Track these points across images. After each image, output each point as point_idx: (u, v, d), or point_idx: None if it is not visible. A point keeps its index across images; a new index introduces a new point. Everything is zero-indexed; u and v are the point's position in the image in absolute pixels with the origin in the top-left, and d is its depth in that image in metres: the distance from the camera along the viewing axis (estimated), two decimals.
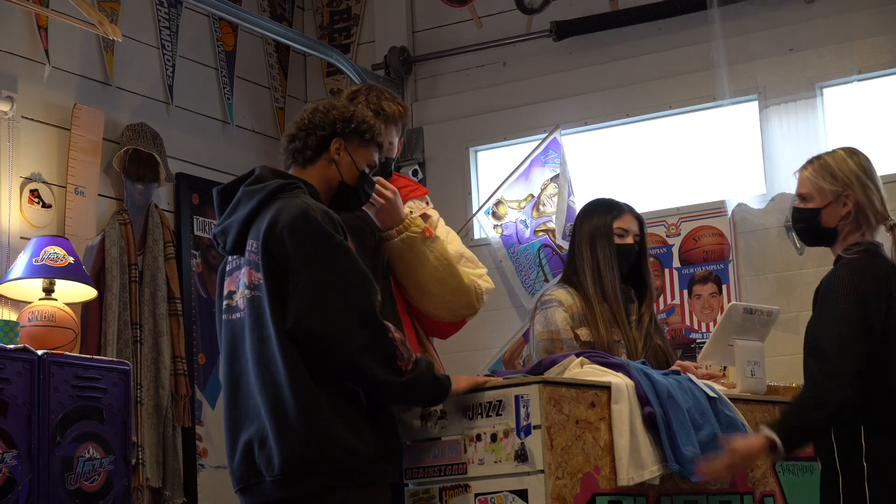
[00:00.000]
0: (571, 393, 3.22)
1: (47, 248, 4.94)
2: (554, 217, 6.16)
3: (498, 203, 6.35)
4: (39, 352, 4.52)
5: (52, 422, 4.48)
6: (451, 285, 3.63)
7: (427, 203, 3.82)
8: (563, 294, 4.01)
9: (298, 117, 3.30)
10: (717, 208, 5.98)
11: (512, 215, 6.31)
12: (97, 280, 5.40)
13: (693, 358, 4.77)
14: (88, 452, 4.61)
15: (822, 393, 3.23)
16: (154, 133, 5.82)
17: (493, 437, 3.16)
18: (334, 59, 6.50)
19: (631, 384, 3.37)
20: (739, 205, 5.91)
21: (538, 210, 6.27)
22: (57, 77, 5.57)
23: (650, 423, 3.33)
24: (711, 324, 5.82)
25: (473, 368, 5.73)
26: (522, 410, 3.13)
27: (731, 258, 5.92)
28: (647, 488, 3.33)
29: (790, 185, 3.56)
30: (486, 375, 3.59)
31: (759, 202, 5.89)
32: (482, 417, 3.19)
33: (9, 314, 5.09)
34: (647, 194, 6.11)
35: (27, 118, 5.41)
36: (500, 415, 3.17)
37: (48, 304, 4.93)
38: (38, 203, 5.38)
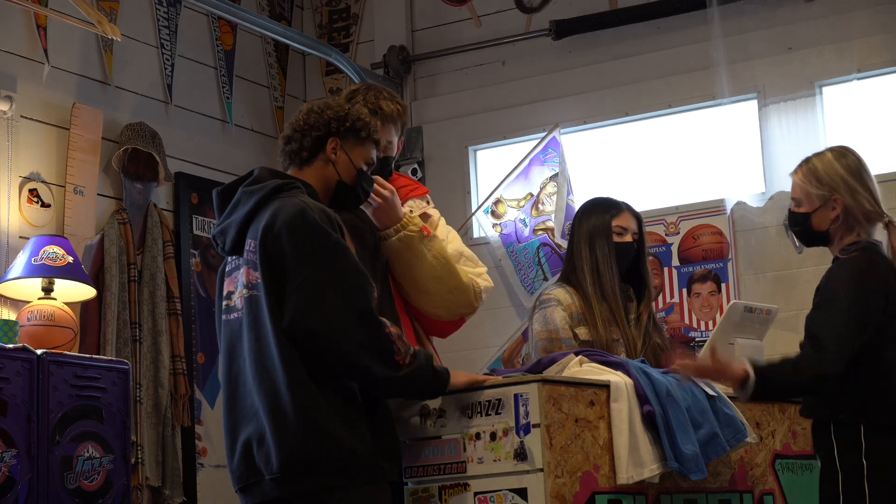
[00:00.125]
0: (571, 391, 3.22)
1: (46, 248, 4.94)
2: (553, 216, 6.17)
3: (497, 202, 6.35)
4: (39, 351, 4.52)
5: (52, 421, 4.48)
6: (449, 284, 3.63)
7: (427, 202, 3.82)
8: (561, 293, 4.01)
9: (294, 118, 3.31)
10: (716, 207, 5.98)
11: (511, 214, 6.31)
12: (96, 279, 5.40)
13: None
14: (88, 451, 4.61)
15: (805, 363, 3.26)
16: (153, 132, 5.82)
17: (493, 436, 3.16)
18: (333, 58, 6.50)
19: (630, 383, 3.37)
20: (738, 203, 5.91)
21: (537, 209, 6.27)
22: (56, 76, 5.57)
23: (649, 421, 3.33)
24: (710, 322, 5.82)
25: (473, 367, 5.73)
26: (522, 409, 3.13)
27: (730, 257, 5.92)
28: (647, 487, 3.33)
29: (789, 184, 3.56)
30: (485, 374, 3.60)
31: (758, 201, 5.89)
32: (481, 416, 3.19)
33: (8, 313, 5.09)
34: (646, 193, 6.11)
35: (26, 117, 5.41)
36: (500, 413, 3.16)
37: (47, 304, 4.93)
38: (37, 202, 5.38)
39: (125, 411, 4.80)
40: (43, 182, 5.43)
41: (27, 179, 5.36)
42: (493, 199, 6.35)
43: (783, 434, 3.80)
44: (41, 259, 4.92)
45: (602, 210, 4.11)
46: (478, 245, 6.27)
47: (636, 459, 3.27)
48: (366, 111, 3.38)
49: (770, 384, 3.29)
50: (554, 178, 6.21)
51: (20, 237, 5.21)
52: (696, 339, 5.86)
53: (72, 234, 5.39)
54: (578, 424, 3.21)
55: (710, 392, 3.52)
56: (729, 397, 3.56)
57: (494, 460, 3.15)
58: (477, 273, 3.73)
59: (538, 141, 6.30)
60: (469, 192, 6.66)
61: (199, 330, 5.97)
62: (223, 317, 3.22)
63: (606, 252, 4.02)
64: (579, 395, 3.24)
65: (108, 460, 4.69)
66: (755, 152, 5.99)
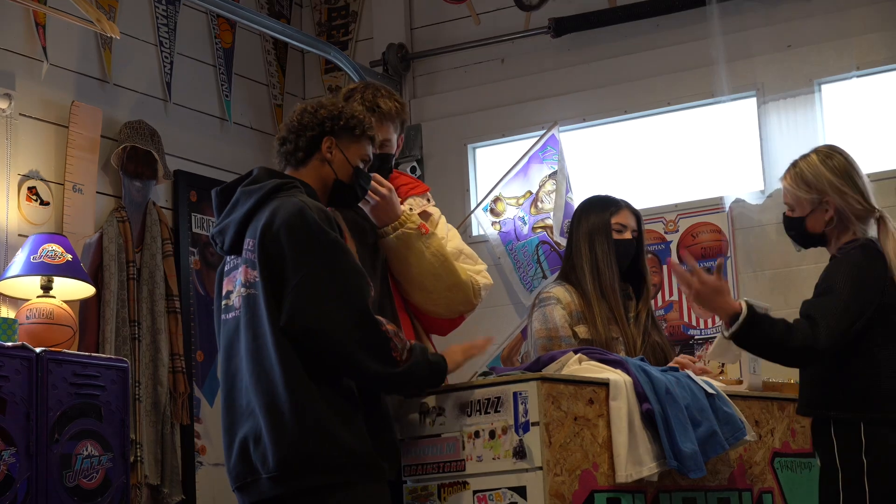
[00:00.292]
0: (570, 389, 3.22)
1: (45, 246, 4.94)
2: (552, 214, 6.16)
3: (496, 200, 6.35)
4: (37, 349, 4.52)
5: (51, 419, 4.48)
6: (448, 281, 3.63)
7: (428, 200, 3.82)
8: (561, 291, 4.01)
9: (288, 119, 3.32)
10: (715, 205, 5.98)
11: (510, 212, 6.31)
12: (95, 277, 5.40)
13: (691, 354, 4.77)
14: (87, 450, 4.61)
15: (799, 332, 3.26)
16: (152, 130, 5.82)
17: (492, 434, 3.16)
18: (332, 56, 6.50)
19: (629, 381, 3.37)
20: (737, 200, 5.91)
21: (536, 207, 6.27)
22: (55, 74, 5.56)
23: (648, 419, 3.33)
24: (710, 320, 5.81)
25: (471, 365, 5.71)
26: (521, 407, 3.13)
27: (729, 255, 5.92)
28: (646, 485, 3.33)
29: None
30: (483, 372, 3.60)
31: (757, 198, 5.89)
32: (480, 414, 3.19)
33: (7, 311, 5.09)
34: (645, 191, 6.10)
35: (25, 115, 5.40)
36: (499, 411, 3.16)
37: (46, 302, 4.93)
38: (36, 200, 5.38)
39: (124, 409, 4.80)
40: (42, 180, 5.42)
41: (26, 177, 5.36)
42: (492, 196, 6.34)
43: (782, 432, 3.80)
44: (40, 257, 4.91)
45: (601, 208, 4.11)
46: (477, 243, 6.27)
47: (635, 458, 3.27)
48: (360, 108, 3.38)
49: (758, 331, 3.27)
50: (553, 175, 6.20)
51: (19, 235, 5.21)
52: (695, 337, 5.86)
53: (71, 232, 5.38)
54: (577, 422, 3.21)
55: (710, 390, 3.52)
56: (728, 395, 3.56)
57: (493, 458, 3.15)
58: (476, 271, 3.73)
59: (537, 139, 6.29)
60: (468, 190, 6.66)
61: (198, 328, 5.97)
62: (222, 316, 3.23)
63: (606, 250, 4.02)
64: (578, 393, 3.24)
65: (107, 458, 4.69)
66: (754, 150, 5.99)
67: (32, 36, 5.48)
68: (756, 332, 3.27)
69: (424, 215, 3.70)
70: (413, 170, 6.57)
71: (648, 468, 3.28)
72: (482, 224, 6.41)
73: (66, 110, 5.56)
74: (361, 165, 3.31)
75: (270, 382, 3.02)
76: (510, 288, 6.26)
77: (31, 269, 4.91)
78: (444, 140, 6.73)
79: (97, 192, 5.64)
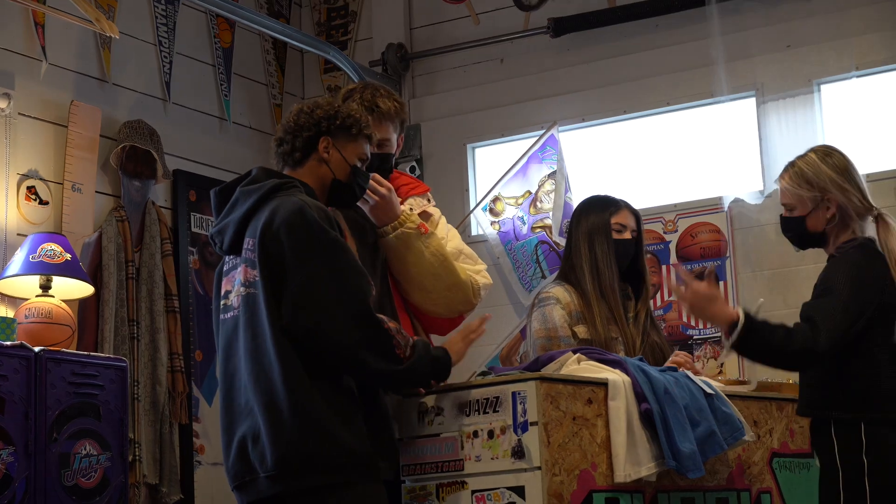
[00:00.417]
0: (568, 389, 3.22)
1: (44, 245, 4.94)
2: (551, 213, 6.16)
3: (495, 200, 6.35)
4: (36, 348, 4.52)
5: (49, 418, 4.48)
6: (447, 281, 3.63)
7: (428, 200, 3.82)
8: (560, 291, 4.00)
9: (284, 120, 3.33)
10: (714, 205, 5.98)
11: (509, 212, 6.31)
12: (94, 277, 5.39)
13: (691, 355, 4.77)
14: (85, 449, 4.61)
15: (799, 335, 3.25)
16: (151, 130, 5.82)
17: (490, 434, 3.16)
18: (332, 55, 6.50)
19: (628, 381, 3.37)
20: (736, 200, 5.91)
21: (535, 207, 6.27)
22: (54, 74, 5.56)
23: (647, 419, 3.32)
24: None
25: (470, 364, 5.72)
26: (519, 407, 3.13)
27: (728, 255, 5.92)
28: (644, 485, 3.32)
29: None
30: (482, 372, 3.61)
31: (756, 198, 5.89)
32: (479, 414, 3.19)
33: (6, 311, 5.09)
34: (644, 191, 6.10)
35: (24, 115, 5.40)
36: (497, 411, 3.16)
37: (45, 301, 4.92)
38: (35, 200, 5.38)
39: (123, 409, 4.80)
40: (41, 179, 5.42)
41: (25, 177, 5.36)
42: (491, 196, 6.34)
43: (781, 432, 3.80)
44: (39, 256, 4.91)
45: (601, 208, 4.11)
46: (476, 243, 6.26)
47: (634, 457, 3.27)
48: (355, 107, 3.38)
49: (757, 338, 3.26)
50: (552, 175, 6.20)
51: (18, 234, 5.21)
52: (694, 337, 5.85)
53: (70, 231, 5.39)
54: (576, 422, 3.21)
55: (708, 390, 3.52)
56: (727, 395, 3.56)
57: (492, 458, 3.14)
58: (476, 270, 3.73)
59: (536, 138, 6.29)
60: (467, 190, 6.66)
61: (197, 327, 5.97)
62: (220, 316, 3.23)
63: (606, 249, 4.02)
64: (577, 392, 3.24)
65: (106, 458, 4.69)
66: (753, 150, 5.99)
67: (31, 35, 5.48)
68: (755, 339, 3.27)
69: (425, 215, 3.70)
70: (412, 170, 6.57)
71: (647, 468, 3.28)
72: (481, 224, 6.41)
73: (65, 110, 5.56)
74: (359, 164, 3.31)
75: (269, 381, 3.02)
76: (509, 288, 6.26)
77: (30, 269, 4.91)
78: (443, 140, 6.73)
79: (96, 192, 5.64)
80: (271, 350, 3.03)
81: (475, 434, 3.18)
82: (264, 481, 3.03)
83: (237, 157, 6.42)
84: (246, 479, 3.08)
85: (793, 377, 3.75)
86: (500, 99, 6.62)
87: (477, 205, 6.41)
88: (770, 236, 5.76)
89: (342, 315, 3.01)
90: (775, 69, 5.94)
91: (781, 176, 3.54)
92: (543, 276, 6.12)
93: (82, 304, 5.35)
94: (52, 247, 4.95)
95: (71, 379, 4.60)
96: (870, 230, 3.46)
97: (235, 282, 3.17)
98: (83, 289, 5.15)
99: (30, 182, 5.37)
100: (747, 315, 3.26)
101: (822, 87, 5.90)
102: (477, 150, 6.76)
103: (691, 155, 6.19)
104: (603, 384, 3.33)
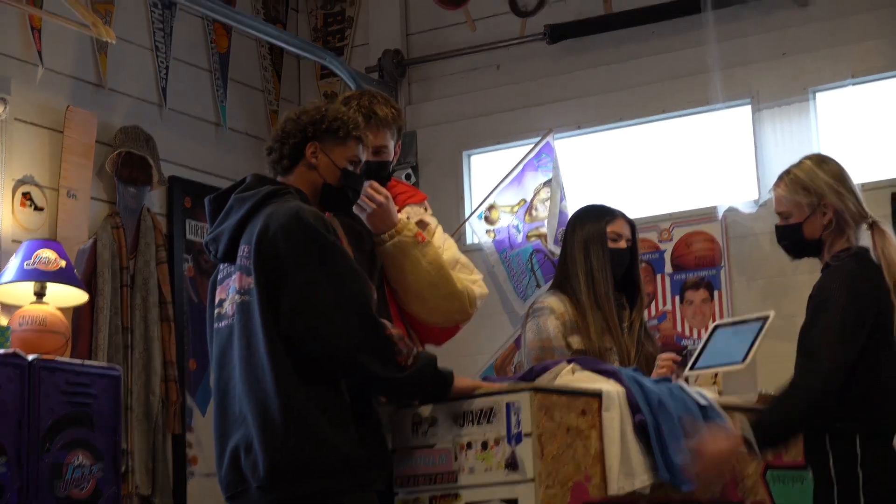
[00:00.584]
0: (562, 400, 3.21)
1: (39, 252, 4.93)
2: (546, 222, 6.16)
3: (491, 207, 6.34)
4: (30, 356, 4.50)
5: (42, 428, 4.45)
6: (444, 290, 3.62)
7: (425, 209, 3.81)
8: (554, 301, 4.00)
9: (275, 128, 3.32)
10: (709, 214, 5.98)
11: (504, 220, 6.30)
12: (89, 284, 5.38)
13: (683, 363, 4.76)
14: (78, 459, 4.59)
15: (805, 386, 3.26)
16: (147, 136, 5.81)
17: (484, 445, 3.15)
18: (328, 61, 6.50)
19: (622, 391, 3.36)
20: (730, 209, 5.91)
21: (531, 215, 6.27)
22: (50, 79, 5.56)
23: (641, 431, 3.32)
24: (703, 330, 5.80)
25: (465, 374, 5.70)
26: (513, 418, 3.12)
27: (723, 264, 5.91)
28: (638, 497, 3.31)
29: None
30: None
31: (750, 207, 5.89)
32: (473, 425, 3.18)
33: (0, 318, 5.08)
34: (639, 199, 6.10)
35: (20, 120, 5.39)
36: (491, 422, 3.15)
37: (39, 308, 4.91)
38: (30, 206, 5.37)
39: (116, 418, 4.78)
40: (36, 185, 5.42)
41: (20, 182, 5.35)
42: (486, 204, 6.34)
43: None
44: (33, 263, 4.90)
45: (597, 217, 4.11)
46: (471, 251, 6.25)
47: (627, 469, 3.26)
48: (343, 109, 3.36)
49: (777, 427, 3.27)
50: (547, 183, 6.20)
51: (13, 241, 5.20)
52: (688, 347, 5.85)
53: (65, 237, 5.37)
54: (570, 434, 3.20)
55: (702, 401, 3.51)
56: (722, 407, 3.55)
57: (486, 470, 3.13)
58: (472, 280, 3.73)
59: (532, 146, 6.29)
60: (463, 198, 6.65)
61: (191, 336, 5.96)
62: (214, 325, 3.22)
63: (601, 258, 4.02)
64: (571, 403, 3.23)
65: (98, 468, 4.67)
66: (749, 158, 5.99)
67: (28, 40, 5.47)
68: (776, 433, 3.27)
69: (422, 224, 3.70)
70: (408, 177, 6.57)
71: (640, 480, 3.27)
72: (477, 232, 6.40)
73: (61, 115, 5.55)
74: (350, 167, 3.30)
75: (263, 390, 3.01)
76: (504, 296, 6.25)
77: (25, 276, 4.89)
78: (439, 147, 6.72)
79: (91, 198, 5.63)
80: (265, 358, 3.02)
81: (469, 445, 3.17)
82: (256, 492, 3.02)
83: (233, 163, 6.42)
84: (238, 489, 3.07)
85: None
86: (497, 106, 6.61)
87: (472, 213, 6.41)
88: (764, 245, 5.76)
89: (341, 318, 3.00)
90: (771, 77, 5.94)
91: (776, 185, 3.54)
92: (538, 285, 6.11)
93: (76, 312, 5.34)
94: (47, 253, 4.94)
95: (64, 388, 4.58)
96: (864, 238, 3.47)
97: (230, 290, 3.16)
98: (78, 296, 5.13)
99: (25, 188, 5.36)
100: (752, 425, 3.24)
101: (818, 95, 5.90)
102: (473, 158, 6.75)
103: (687, 163, 6.18)
104: (597, 395, 3.32)
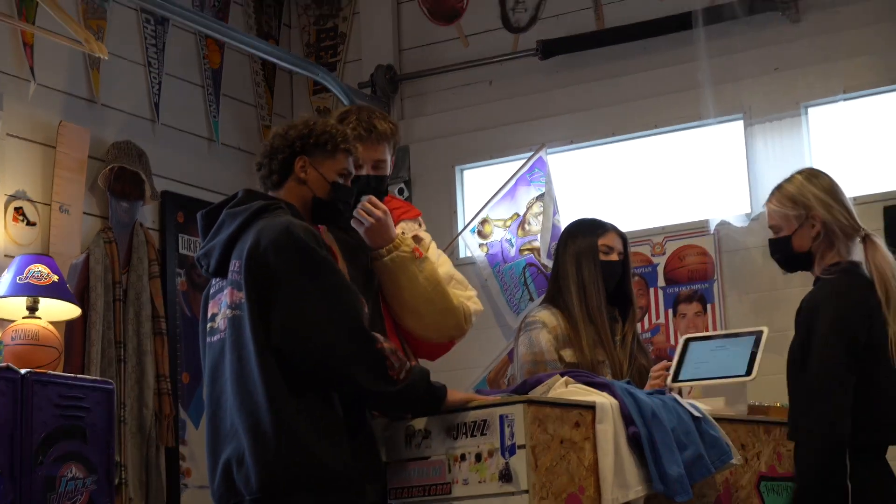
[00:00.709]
0: (556, 412, 3.21)
1: (31, 266, 4.92)
2: (539, 236, 6.16)
3: (483, 222, 6.34)
4: (22, 370, 4.49)
5: (35, 441, 4.44)
6: (440, 306, 3.62)
7: (420, 225, 3.82)
8: (546, 315, 4.00)
9: (264, 143, 3.33)
10: (702, 227, 5.98)
11: (497, 234, 6.30)
12: (81, 298, 5.37)
13: None
14: (71, 472, 4.57)
15: (830, 434, 3.26)
16: (140, 151, 5.81)
17: (478, 457, 3.15)
18: (321, 77, 6.50)
19: (615, 404, 3.36)
20: (722, 222, 5.92)
21: (523, 229, 6.27)
22: (42, 94, 5.56)
23: (635, 442, 3.32)
24: None
25: (458, 387, 5.70)
26: (507, 430, 3.12)
27: (715, 277, 5.92)
28: None
29: None
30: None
31: (742, 221, 5.90)
32: (466, 437, 3.18)
33: None
34: (632, 213, 6.11)
35: (12, 135, 5.39)
36: (485, 434, 3.15)
37: (32, 323, 4.90)
38: (22, 221, 5.36)
39: (109, 431, 4.77)
40: (29, 200, 5.41)
41: (13, 198, 5.35)
42: (479, 218, 6.34)
43: (768, 456, 3.79)
44: (26, 278, 4.89)
45: (588, 230, 4.13)
46: (464, 265, 6.25)
47: (621, 481, 3.26)
48: (331, 122, 3.37)
49: (821, 486, 3.27)
50: (540, 198, 6.20)
51: (5, 255, 5.19)
52: None
53: (57, 252, 5.37)
54: (564, 446, 3.20)
55: (696, 413, 3.51)
56: (714, 419, 3.55)
57: (479, 482, 3.13)
58: (467, 297, 3.73)
59: (525, 161, 6.30)
60: (456, 212, 6.66)
61: (184, 349, 5.95)
62: (207, 339, 3.22)
63: (593, 271, 4.03)
64: (565, 416, 3.23)
65: (92, 481, 4.65)
66: (741, 173, 6.00)
67: (20, 56, 5.47)
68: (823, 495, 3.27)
69: (416, 240, 3.69)
70: (401, 191, 6.57)
71: (635, 491, 3.27)
72: (469, 246, 6.40)
73: (53, 130, 5.55)
74: (340, 180, 3.30)
75: (254, 403, 3.01)
76: (497, 310, 6.25)
77: (17, 290, 4.89)
78: (432, 162, 6.73)
79: (84, 213, 5.63)
80: (256, 372, 3.02)
81: (462, 457, 3.17)
82: None
83: (225, 178, 6.41)
84: (231, 502, 3.07)
85: (781, 400, 3.75)
86: (489, 121, 6.62)
87: (465, 227, 6.41)
88: (757, 259, 5.77)
89: (333, 331, 3.00)
90: (763, 92, 5.95)
91: (769, 200, 3.57)
92: (531, 299, 6.11)
93: (69, 326, 5.33)
94: (40, 268, 4.93)
95: (57, 401, 4.57)
96: (857, 251, 3.48)
97: (222, 304, 3.16)
98: (70, 310, 5.12)
99: (17, 203, 5.36)
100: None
101: (810, 110, 5.91)
102: (465, 172, 6.76)
103: (679, 178, 6.19)
104: (590, 407, 3.32)
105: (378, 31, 6.96)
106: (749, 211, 5.90)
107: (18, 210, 5.35)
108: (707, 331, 5.76)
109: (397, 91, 6.88)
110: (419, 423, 3.26)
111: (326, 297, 3.02)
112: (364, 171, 3.59)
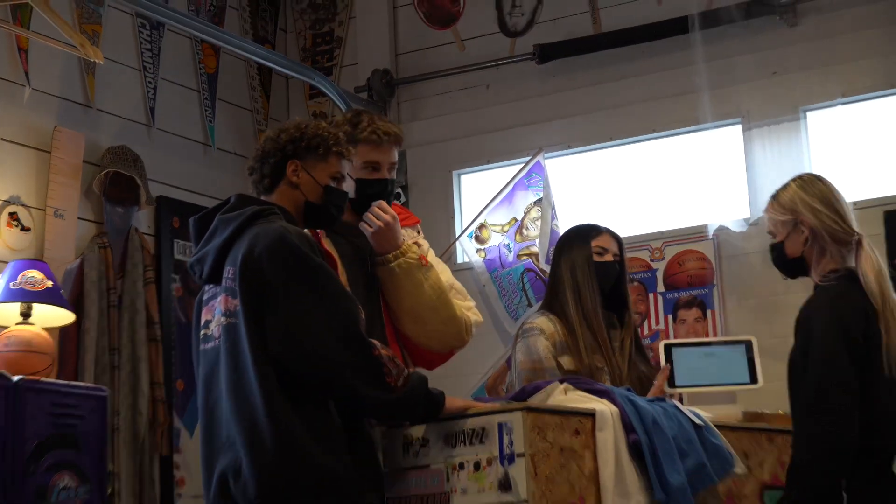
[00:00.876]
0: (556, 420, 3.18)
1: (25, 272, 4.88)
2: (537, 241, 6.14)
3: (481, 227, 6.32)
4: (15, 377, 4.44)
5: (27, 449, 4.39)
6: (443, 315, 3.60)
7: (418, 232, 3.80)
8: (544, 322, 3.98)
9: (256, 147, 3.30)
10: (701, 232, 5.97)
11: (495, 239, 6.28)
12: (75, 304, 5.34)
13: None
14: (63, 481, 4.52)
15: (831, 440, 3.23)
16: (135, 156, 5.78)
17: (477, 466, 3.12)
18: (317, 81, 6.48)
19: (616, 411, 3.33)
20: (720, 227, 5.90)
21: (521, 234, 6.24)
22: (37, 99, 5.53)
23: (635, 451, 3.29)
24: None
25: (456, 394, 5.67)
26: (506, 438, 3.09)
27: (715, 282, 5.90)
28: None
29: None
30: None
31: (741, 226, 5.88)
32: (465, 445, 3.15)
33: None
34: (631, 218, 6.09)
35: (7, 140, 5.37)
36: (484, 443, 3.12)
37: (25, 329, 4.86)
38: (16, 226, 5.33)
39: (102, 440, 4.72)
40: (23, 205, 5.38)
41: (7, 203, 5.32)
42: (477, 223, 6.32)
43: (771, 464, 3.76)
44: (20, 283, 4.86)
45: (582, 234, 4.13)
46: (462, 270, 6.23)
47: (622, 490, 3.23)
48: (323, 125, 3.34)
49: (814, 492, 3.24)
50: (538, 202, 6.18)
51: None
52: None
53: (51, 258, 5.33)
54: (564, 454, 3.16)
55: (697, 421, 3.48)
56: (716, 426, 3.52)
57: (478, 490, 3.10)
58: (467, 307, 3.72)
59: (522, 165, 6.27)
60: (453, 217, 6.64)
61: (179, 356, 5.91)
62: (201, 346, 3.18)
63: (587, 272, 4.01)
64: (564, 423, 3.20)
65: (85, 490, 4.60)
66: (740, 177, 5.98)
67: (15, 60, 5.45)
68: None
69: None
70: (398, 196, 6.54)
71: (636, 501, 3.24)
72: (467, 251, 6.38)
73: (48, 135, 5.52)
74: (332, 184, 3.27)
75: (251, 413, 2.97)
76: (495, 316, 6.22)
77: (11, 296, 4.85)
78: (429, 166, 6.71)
79: (79, 218, 5.60)
80: (253, 380, 2.98)
81: (461, 466, 3.14)
82: None
83: (221, 183, 6.38)
84: None
85: (783, 408, 3.72)
86: (486, 125, 6.60)
87: (463, 232, 6.38)
88: (756, 264, 5.75)
89: (330, 338, 2.97)
90: (761, 96, 5.94)
91: (767, 207, 3.58)
92: (529, 305, 6.08)
93: (63, 333, 5.29)
94: (34, 274, 4.89)
95: (50, 409, 4.52)
96: (853, 257, 3.46)
97: (216, 311, 3.13)
98: (64, 316, 5.08)
99: (12, 208, 5.33)
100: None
101: (808, 114, 5.90)
102: (463, 177, 6.74)
103: (678, 182, 6.18)
104: (590, 415, 3.29)
105: (374, 36, 6.94)
106: (748, 216, 5.89)
107: (13, 215, 5.32)
108: (707, 336, 5.73)
109: (394, 95, 6.86)
110: (417, 431, 3.23)
111: (323, 303, 2.99)
112: (379, 175, 3.59)
